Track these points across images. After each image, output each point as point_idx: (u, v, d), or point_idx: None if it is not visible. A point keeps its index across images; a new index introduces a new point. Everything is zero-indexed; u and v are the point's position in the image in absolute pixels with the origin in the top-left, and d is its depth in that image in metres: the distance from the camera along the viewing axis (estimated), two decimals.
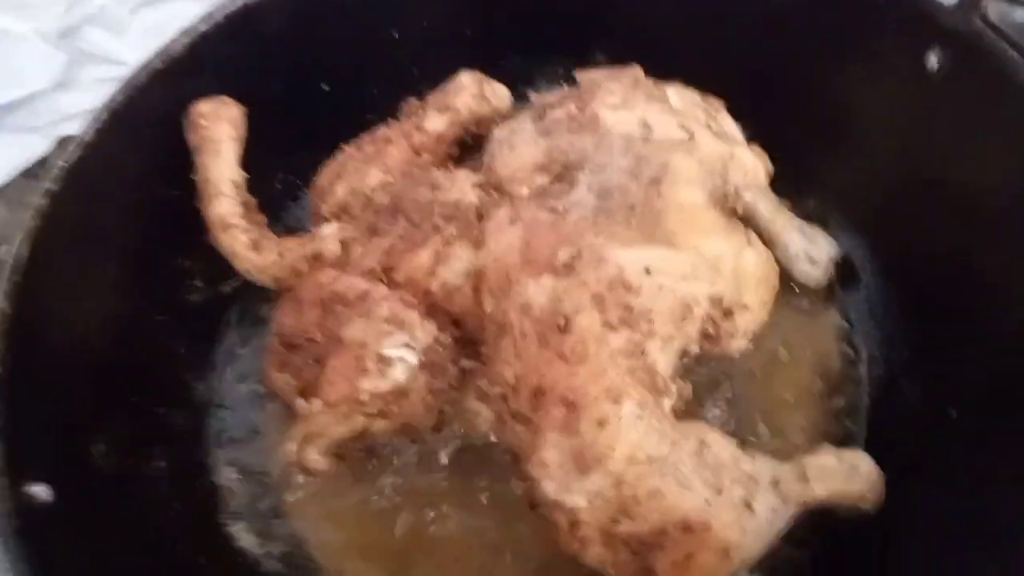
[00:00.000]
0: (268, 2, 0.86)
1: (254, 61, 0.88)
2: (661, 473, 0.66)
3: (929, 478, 0.77)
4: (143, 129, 0.83)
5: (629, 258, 0.69)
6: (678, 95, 0.83)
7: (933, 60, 0.78)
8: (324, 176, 0.89)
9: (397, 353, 0.73)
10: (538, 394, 0.68)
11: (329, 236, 0.83)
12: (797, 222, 0.86)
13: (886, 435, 0.84)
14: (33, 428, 0.71)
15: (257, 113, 0.87)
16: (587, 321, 0.68)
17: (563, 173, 0.75)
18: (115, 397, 0.81)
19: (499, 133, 0.82)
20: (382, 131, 0.89)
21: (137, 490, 0.81)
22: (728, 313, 0.72)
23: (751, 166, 0.79)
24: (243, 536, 0.85)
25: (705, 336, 0.72)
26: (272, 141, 0.87)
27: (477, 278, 0.74)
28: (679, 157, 0.74)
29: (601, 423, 0.66)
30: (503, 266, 0.72)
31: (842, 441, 0.84)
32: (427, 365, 0.74)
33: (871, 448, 0.80)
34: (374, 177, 0.85)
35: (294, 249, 0.84)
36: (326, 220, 0.86)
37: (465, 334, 0.78)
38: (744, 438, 0.82)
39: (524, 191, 0.76)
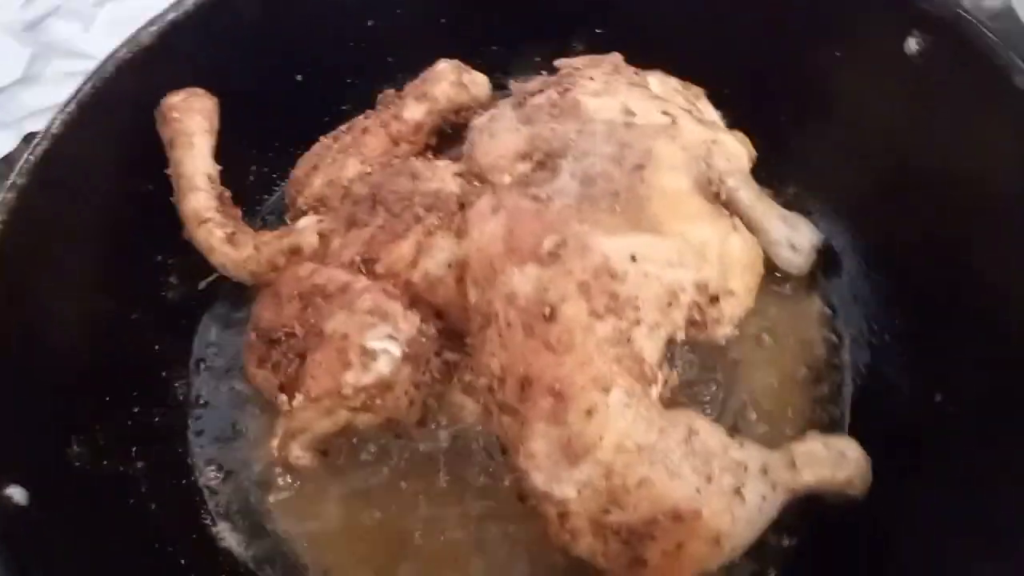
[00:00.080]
0: None
1: (226, 51, 0.86)
2: (650, 461, 0.66)
3: (916, 463, 0.77)
4: (113, 122, 0.82)
5: (614, 245, 0.69)
6: (659, 81, 0.83)
7: (912, 44, 0.78)
8: (300, 168, 0.88)
9: (380, 345, 0.72)
10: (525, 384, 0.67)
11: (307, 229, 0.82)
12: (778, 209, 0.86)
13: (872, 421, 0.84)
14: (6, 429, 0.70)
15: (230, 104, 0.86)
16: (573, 310, 0.67)
17: (545, 161, 0.74)
18: (91, 397, 0.80)
19: (479, 121, 0.81)
20: (359, 121, 0.88)
21: (116, 491, 0.79)
22: (714, 299, 0.72)
23: (734, 151, 0.79)
24: (227, 536, 0.84)
25: (691, 323, 0.72)
26: (246, 133, 0.86)
27: (460, 268, 0.73)
28: (662, 143, 0.74)
29: (589, 412, 0.66)
30: (487, 256, 0.71)
31: (828, 427, 0.84)
32: (411, 357, 0.73)
33: (857, 434, 0.81)
34: (352, 168, 0.84)
35: (271, 243, 0.82)
36: (303, 213, 0.85)
37: (448, 326, 0.77)
38: (731, 425, 0.82)
39: (506, 179, 0.75)
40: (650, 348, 0.69)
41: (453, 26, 0.96)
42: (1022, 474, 0.68)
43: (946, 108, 0.78)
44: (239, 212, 0.86)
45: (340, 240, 0.79)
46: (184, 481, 0.85)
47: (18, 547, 0.66)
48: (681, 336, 0.72)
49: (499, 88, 0.93)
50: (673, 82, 0.84)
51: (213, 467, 0.86)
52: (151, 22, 0.82)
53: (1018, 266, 0.73)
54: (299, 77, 0.93)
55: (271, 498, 0.84)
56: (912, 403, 0.80)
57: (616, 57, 0.85)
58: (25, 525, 0.67)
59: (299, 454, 0.77)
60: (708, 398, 0.83)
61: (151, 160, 0.84)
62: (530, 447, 0.67)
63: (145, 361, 0.88)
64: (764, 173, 0.86)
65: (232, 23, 0.86)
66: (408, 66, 0.93)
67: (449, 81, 0.88)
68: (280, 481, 0.85)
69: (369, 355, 0.72)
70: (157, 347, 0.89)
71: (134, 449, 0.82)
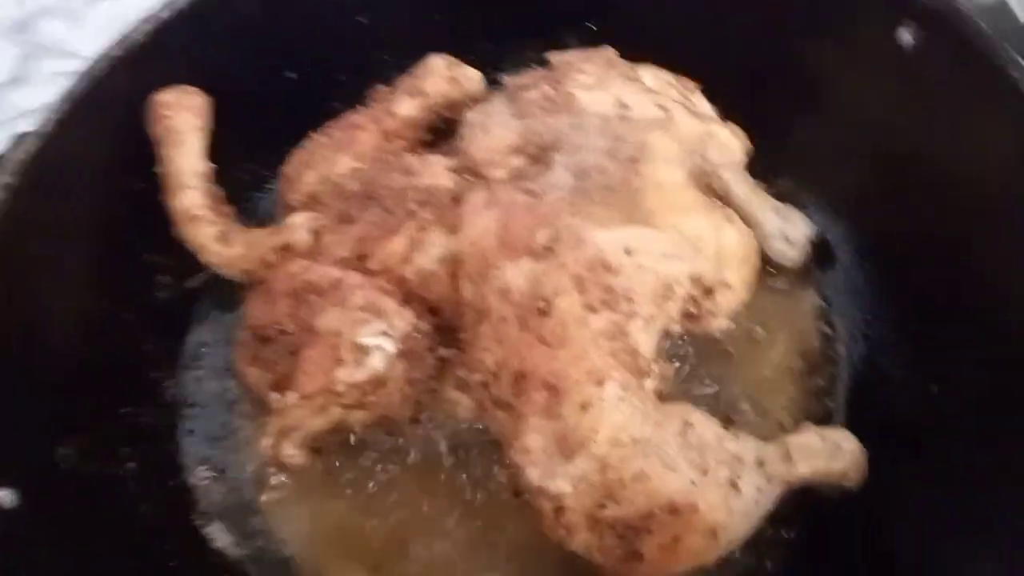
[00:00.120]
0: None
1: (218, 49, 0.86)
2: (646, 455, 0.66)
3: (911, 455, 0.77)
4: (105, 120, 0.81)
5: (608, 238, 0.69)
6: (652, 75, 0.83)
7: (905, 36, 0.78)
8: (292, 165, 0.87)
9: (374, 341, 0.71)
10: (519, 379, 0.67)
11: (299, 226, 0.81)
12: (772, 202, 0.86)
13: (867, 412, 0.84)
14: None
15: (222, 102, 0.85)
16: (567, 303, 0.67)
17: (539, 154, 0.74)
18: (81, 398, 0.79)
19: (473, 116, 0.81)
20: (351, 117, 0.88)
21: (107, 492, 0.78)
22: (709, 292, 0.72)
23: (729, 144, 0.79)
24: (219, 537, 0.83)
25: (686, 316, 0.72)
26: (238, 130, 0.85)
27: (454, 263, 0.73)
28: (656, 136, 0.73)
29: (584, 406, 0.66)
30: (480, 250, 0.70)
31: (823, 419, 0.84)
32: (405, 353, 0.73)
33: (852, 425, 0.80)
34: (344, 164, 0.83)
35: (263, 240, 0.82)
36: (295, 210, 0.84)
37: (442, 322, 0.76)
38: (726, 418, 0.81)
39: (500, 174, 0.75)
40: (645, 341, 0.69)
41: (446, 23, 0.96)
42: (1019, 466, 0.68)
43: (939, 99, 0.78)
44: (231, 210, 0.85)
45: (332, 237, 0.79)
46: (175, 481, 0.85)
47: (8, 550, 0.65)
48: (676, 329, 0.72)
49: (492, 84, 0.92)
50: (666, 76, 0.83)
51: (204, 467, 0.86)
52: (144, 20, 0.81)
53: (1014, 259, 0.72)
54: (291, 75, 0.93)
55: (264, 497, 0.84)
56: (907, 395, 0.80)
57: (609, 51, 0.85)
58: (15, 527, 0.67)
59: (292, 452, 0.76)
60: (703, 391, 0.83)
61: (143, 159, 0.83)
62: (525, 442, 0.67)
63: (135, 360, 0.87)
64: (757, 166, 0.86)
65: (224, 21, 0.85)
66: (401, 63, 0.92)
67: (441, 76, 0.88)
68: (273, 480, 0.84)
69: (362, 351, 0.72)
70: (148, 346, 0.88)
71: (124, 449, 0.81)
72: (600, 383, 0.66)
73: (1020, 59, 0.71)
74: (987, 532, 0.68)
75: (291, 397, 0.73)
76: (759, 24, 0.87)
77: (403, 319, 0.73)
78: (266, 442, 0.76)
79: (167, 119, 0.83)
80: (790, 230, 0.85)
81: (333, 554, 0.81)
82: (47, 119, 0.76)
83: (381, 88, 0.91)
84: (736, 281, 0.73)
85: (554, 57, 0.85)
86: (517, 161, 0.75)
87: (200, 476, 0.85)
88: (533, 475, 0.67)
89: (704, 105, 0.84)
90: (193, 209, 0.82)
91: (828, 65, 0.85)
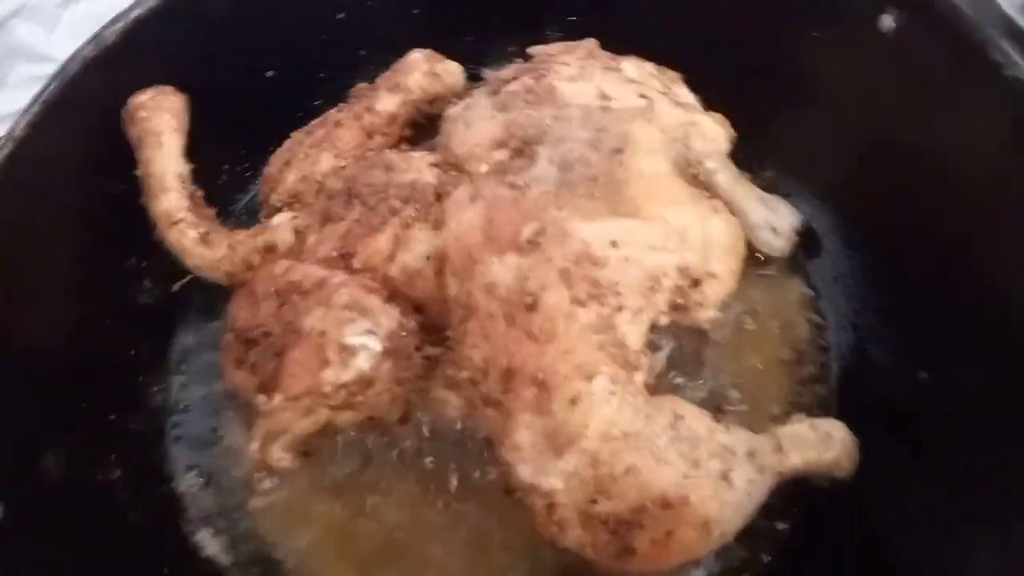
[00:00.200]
0: None
1: (194, 47, 0.85)
2: (636, 448, 0.65)
3: (902, 442, 0.76)
4: (80, 122, 0.80)
5: (594, 231, 0.68)
6: (634, 66, 0.82)
7: (887, 21, 0.78)
8: (273, 164, 0.86)
9: (359, 341, 0.70)
10: (508, 376, 0.66)
11: (281, 226, 0.80)
12: (758, 192, 0.86)
13: (857, 401, 0.84)
14: None
15: (200, 102, 0.84)
16: (555, 298, 0.66)
17: (522, 148, 0.73)
18: (65, 405, 0.78)
19: (454, 111, 0.80)
20: (332, 115, 0.87)
21: (93, 501, 0.78)
22: (696, 283, 0.71)
23: (712, 133, 0.78)
24: (209, 543, 0.82)
25: (674, 307, 0.71)
26: (217, 130, 0.84)
27: (439, 260, 0.72)
28: (639, 126, 0.73)
29: (573, 401, 0.65)
30: (465, 246, 0.69)
31: (814, 409, 0.84)
32: (391, 352, 0.72)
33: (842, 415, 0.80)
34: (325, 162, 0.82)
35: (245, 241, 0.81)
36: (277, 210, 0.83)
37: (428, 320, 0.75)
38: (717, 410, 0.81)
39: (483, 168, 0.74)
40: (633, 334, 0.68)
41: (425, 18, 0.95)
42: (1011, 453, 0.68)
43: (921, 85, 0.78)
44: (212, 211, 0.84)
45: (316, 236, 0.78)
46: (163, 488, 0.84)
47: None
48: (664, 321, 0.71)
49: (473, 79, 0.91)
50: (648, 66, 0.83)
51: (193, 473, 0.85)
52: (116, 19, 0.80)
53: (1001, 244, 0.72)
54: (270, 73, 0.92)
55: (253, 502, 0.83)
56: (897, 382, 0.80)
57: (591, 43, 0.84)
58: (1, 539, 0.66)
59: (280, 455, 0.75)
60: (692, 383, 0.83)
61: (120, 161, 0.82)
62: (515, 439, 0.66)
63: (120, 367, 0.86)
64: (742, 156, 0.86)
65: (199, 19, 0.84)
66: (381, 59, 0.92)
67: (422, 71, 0.87)
68: (262, 484, 0.83)
69: (348, 351, 0.71)
70: (132, 352, 0.87)
71: (111, 457, 0.80)
72: (589, 377, 0.65)
73: (1002, 42, 0.71)
74: (981, 518, 0.68)
75: (278, 399, 0.72)
76: (741, 13, 0.87)
77: (389, 317, 0.72)
78: (254, 446, 0.75)
79: (144, 120, 0.81)
80: (776, 220, 0.85)
81: (324, 557, 0.81)
82: (20, 122, 0.75)
83: (362, 84, 0.90)
84: (723, 271, 0.72)
85: (535, 50, 0.85)
86: (500, 155, 0.74)
87: (188, 482, 0.84)
88: (524, 472, 0.66)
89: (687, 95, 0.84)
90: (174, 212, 0.81)
91: (811, 53, 0.85)
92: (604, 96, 0.76)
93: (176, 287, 0.89)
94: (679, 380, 0.82)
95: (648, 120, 0.74)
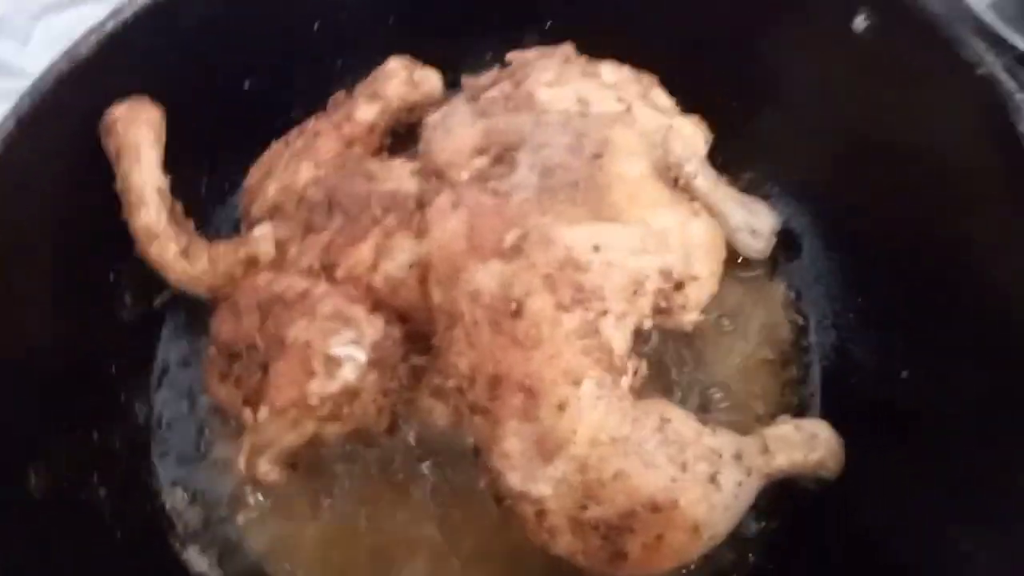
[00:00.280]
0: None
1: (170, 59, 0.84)
2: (625, 453, 0.65)
3: (888, 440, 0.77)
4: (55, 137, 0.79)
5: (577, 236, 0.68)
6: (611, 70, 0.82)
7: (861, 22, 0.79)
8: (253, 175, 0.86)
9: (344, 351, 0.70)
10: (494, 383, 0.66)
11: (263, 237, 0.80)
12: (737, 194, 0.86)
13: (841, 401, 0.84)
14: None
15: (177, 113, 0.83)
16: (539, 304, 0.66)
17: (503, 154, 0.73)
18: (47, 423, 0.77)
19: (433, 118, 0.80)
20: (310, 124, 0.86)
21: (79, 520, 0.77)
22: (679, 285, 0.71)
23: (690, 136, 0.79)
24: (197, 561, 0.82)
25: (658, 310, 0.71)
26: (195, 142, 0.84)
27: (422, 268, 0.72)
28: (619, 130, 0.73)
29: (561, 407, 0.65)
30: (449, 254, 0.69)
31: (798, 410, 0.84)
32: (377, 363, 0.71)
33: (827, 415, 0.81)
34: (305, 172, 0.82)
35: (227, 254, 0.80)
36: (258, 221, 0.83)
37: (413, 329, 0.75)
38: (701, 411, 0.81)
39: (464, 175, 0.74)
40: (618, 338, 0.68)
41: (402, 26, 0.95)
42: (996, 447, 0.68)
43: (896, 84, 0.78)
44: (192, 225, 0.84)
45: (297, 247, 0.78)
46: (149, 506, 0.83)
47: None
48: (648, 324, 0.71)
49: (452, 86, 0.91)
50: (625, 71, 0.83)
51: (179, 489, 0.84)
52: (90, 32, 0.79)
53: (978, 238, 0.73)
54: (247, 83, 0.91)
55: (241, 517, 0.83)
56: (879, 381, 0.81)
57: (568, 48, 0.85)
58: None
59: (267, 469, 0.75)
60: (678, 386, 0.83)
61: (98, 175, 0.81)
62: (503, 446, 0.66)
63: (102, 383, 0.85)
64: (719, 159, 0.86)
65: (174, 30, 0.83)
66: (358, 68, 0.91)
67: (400, 79, 0.87)
68: (250, 499, 0.83)
69: (333, 362, 0.70)
70: (114, 368, 0.86)
71: (95, 475, 0.79)
72: (576, 383, 0.65)
73: (973, 41, 0.72)
74: (976, 518, 0.68)
75: (263, 413, 0.72)
76: (716, 16, 0.87)
77: (373, 327, 0.72)
78: (240, 460, 0.75)
79: (121, 134, 0.80)
80: (755, 222, 0.85)
81: (314, 571, 0.80)
82: None
83: (340, 93, 0.89)
84: (704, 273, 0.72)
85: (513, 56, 0.85)
86: (480, 162, 0.74)
87: (175, 499, 0.84)
88: (513, 479, 0.66)
89: (664, 98, 0.84)
90: (153, 226, 0.80)
91: (786, 54, 0.86)
92: (582, 101, 0.76)
93: (158, 302, 0.89)
94: (664, 383, 0.83)
95: (627, 124, 0.74)
